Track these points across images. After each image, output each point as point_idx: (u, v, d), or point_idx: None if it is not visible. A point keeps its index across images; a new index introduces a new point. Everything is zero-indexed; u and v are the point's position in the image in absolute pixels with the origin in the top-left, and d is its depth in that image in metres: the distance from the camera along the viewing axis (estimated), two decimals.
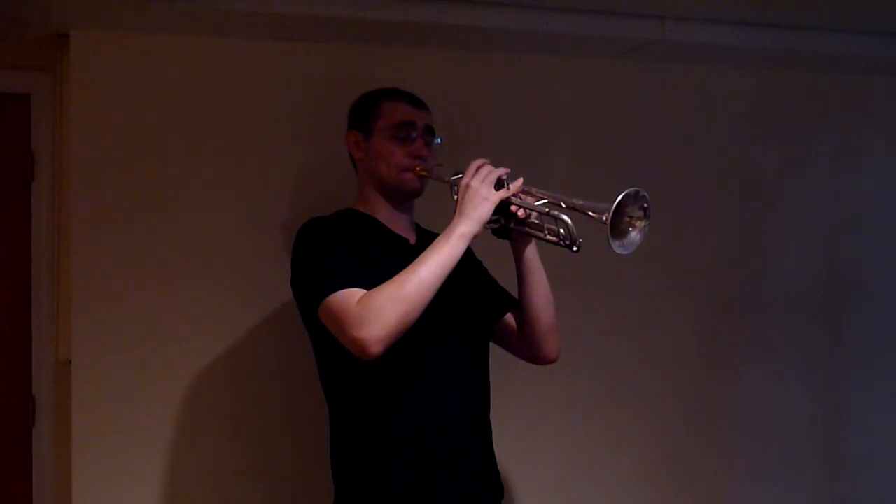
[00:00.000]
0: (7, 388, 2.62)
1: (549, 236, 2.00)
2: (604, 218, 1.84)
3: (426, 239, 2.18)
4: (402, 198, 2.15)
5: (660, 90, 3.00)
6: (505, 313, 2.22)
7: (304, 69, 2.64)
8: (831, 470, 3.22)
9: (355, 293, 1.90)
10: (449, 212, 1.98)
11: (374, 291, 1.89)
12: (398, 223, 2.16)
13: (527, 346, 2.20)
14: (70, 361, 2.47)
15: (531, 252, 2.11)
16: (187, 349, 2.53)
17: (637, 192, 1.88)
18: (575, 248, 1.95)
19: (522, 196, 2.00)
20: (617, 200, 1.84)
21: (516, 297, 2.18)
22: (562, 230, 1.97)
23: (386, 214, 2.15)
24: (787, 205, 3.16)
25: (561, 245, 1.98)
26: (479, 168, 1.98)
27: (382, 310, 1.85)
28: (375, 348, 1.86)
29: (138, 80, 2.51)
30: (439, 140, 2.17)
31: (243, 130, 2.59)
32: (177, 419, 2.52)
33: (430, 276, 1.89)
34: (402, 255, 2.06)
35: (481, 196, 1.94)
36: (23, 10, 2.38)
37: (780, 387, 3.14)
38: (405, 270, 1.90)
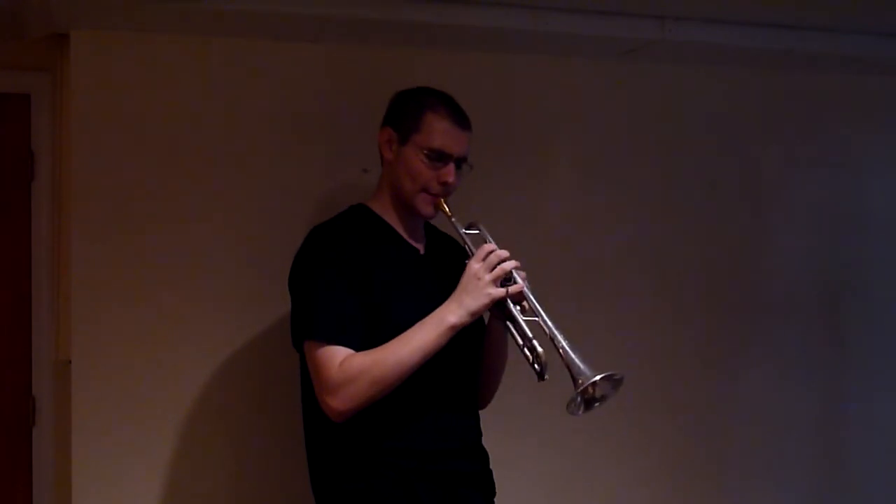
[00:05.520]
0: (7, 388, 2.62)
1: (525, 349, 1.97)
2: (580, 381, 1.85)
3: (435, 246, 2.18)
4: (414, 214, 2.13)
5: (660, 90, 3.00)
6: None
7: (304, 69, 2.64)
8: (831, 470, 3.22)
9: (339, 354, 1.92)
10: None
11: (355, 363, 1.91)
12: (410, 230, 2.15)
13: None
14: (70, 361, 2.47)
15: (502, 334, 2.10)
16: (187, 349, 2.53)
17: (621, 380, 1.89)
18: (541, 379, 1.94)
19: (523, 303, 1.98)
20: (599, 377, 1.85)
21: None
22: (539, 349, 1.94)
23: (398, 220, 2.14)
24: (787, 205, 3.16)
25: (530, 364, 1.96)
26: (490, 255, 1.96)
27: (357, 386, 1.90)
28: (342, 417, 1.93)
29: (138, 80, 2.51)
30: (471, 165, 2.13)
31: (243, 130, 2.59)
32: (176, 419, 2.52)
33: (410, 360, 1.92)
34: (411, 265, 2.07)
35: (484, 291, 1.94)
36: (23, 10, 2.38)
37: (780, 387, 3.14)
38: (389, 345, 1.92)
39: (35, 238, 2.63)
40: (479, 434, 2.17)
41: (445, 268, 2.10)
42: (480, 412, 2.22)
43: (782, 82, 3.13)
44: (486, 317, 2.16)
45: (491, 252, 1.96)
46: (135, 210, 2.50)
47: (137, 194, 2.50)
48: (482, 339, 2.18)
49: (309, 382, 2.05)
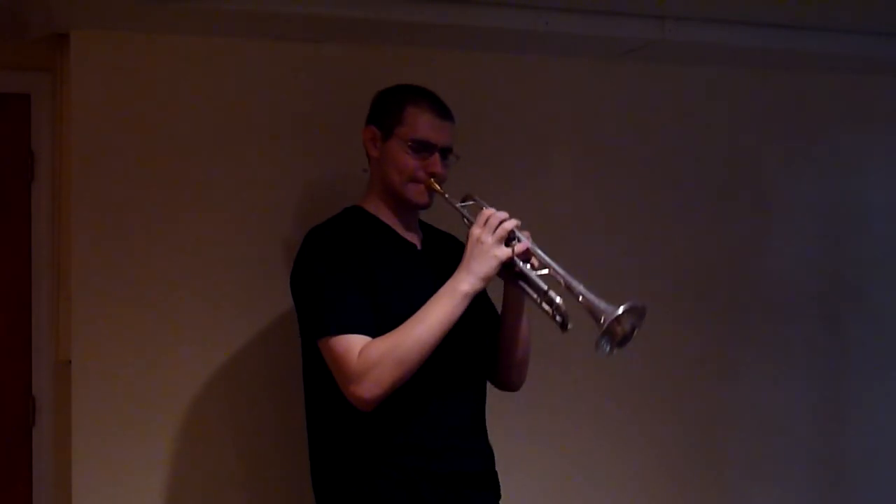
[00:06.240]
0: (7, 388, 2.62)
1: (543, 304, 1.94)
2: (602, 319, 1.82)
3: (432, 241, 2.17)
4: (409, 207, 2.13)
5: (660, 90, 3.00)
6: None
7: (304, 69, 2.64)
8: (831, 470, 3.22)
9: (357, 343, 1.90)
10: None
11: (375, 348, 1.88)
12: (404, 226, 2.15)
13: (491, 367, 2.20)
14: (70, 361, 2.47)
15: (519, 299, 2.08)
16: (187, 349, 2.53)
17: (644, 309, 1.88)
18: (564, 330, 1.92)
19: (532, 260, 1.96)
20: (622, 309, 1.83)
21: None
22: (558, 299, 1.92)
23: (392, 217, 2.14)
24: (787, 205, 3.16)
25: (551, 318, 1.93)
26: (489, 219, 1.94)
27: (380, 370, 1.87)
28: (370, 406, 1.90)
29: (138, 80, 2.51)
30: (457, 156, 2.14)
31: (243, 131, 2.59)
32: (177, 419, 2.52)
33: (430, 337, 1.89)
34: (409, 261, 2.06)
35: (490, 254, 1.92)
36: (23, 10, 2.38)
37: (780, 388, 3.14)
38: (406, 325, 1.89)
39: (35, 238, 2.63)
40: (486, 433, 2.16)
41: (443, 262, 2.10)
42: (487, 412, 2.21)
43: (782, 82, 3.13)
44: (499, 309, 2.17)
45: (490, 216, 1.95)
46: (135, 210, 2.49)
47: (137, 194, 2.50)
48: (491, 332, 2.17)
49: (313, 382, 2.05)
